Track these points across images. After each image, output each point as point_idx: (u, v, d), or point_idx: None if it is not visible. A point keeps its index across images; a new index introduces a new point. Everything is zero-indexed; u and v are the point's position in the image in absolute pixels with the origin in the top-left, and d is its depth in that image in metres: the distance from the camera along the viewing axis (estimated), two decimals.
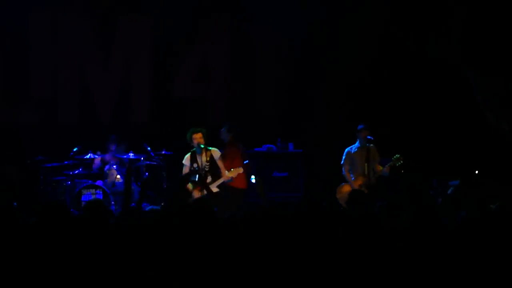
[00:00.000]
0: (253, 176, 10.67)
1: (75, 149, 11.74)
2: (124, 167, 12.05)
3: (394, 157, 11.09)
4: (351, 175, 11.17)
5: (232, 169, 10.59)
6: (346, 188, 11.09)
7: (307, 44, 13.50)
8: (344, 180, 11.25)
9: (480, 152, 12.44)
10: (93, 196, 11.67)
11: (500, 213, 6.10)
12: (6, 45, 13.11)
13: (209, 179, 10.62)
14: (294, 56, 13.62)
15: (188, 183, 10.62)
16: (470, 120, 12.79)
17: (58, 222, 5.58)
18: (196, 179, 10.54)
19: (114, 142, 12.19)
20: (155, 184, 12.14)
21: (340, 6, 13.23)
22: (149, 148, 12.01)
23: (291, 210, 6.29)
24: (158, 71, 13.63)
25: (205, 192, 10.52)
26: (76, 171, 11.85)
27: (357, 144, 11.25)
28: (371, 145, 11.07)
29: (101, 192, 11.70)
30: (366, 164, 11.01)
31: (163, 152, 12.03)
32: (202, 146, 10.54)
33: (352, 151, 11.22)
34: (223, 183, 10.62)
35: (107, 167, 12.08)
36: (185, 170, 10.67)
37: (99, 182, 11.90)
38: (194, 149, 10.65)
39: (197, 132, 10.61)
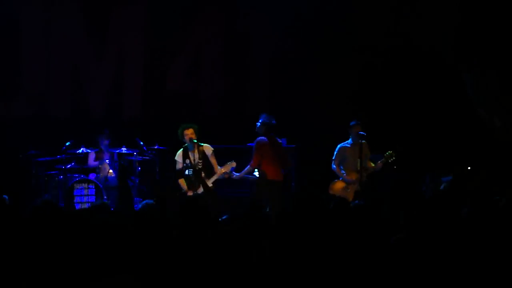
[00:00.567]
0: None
1: (67, 144, 11.71)
2: (116, 162, 12.03)
3: (387, 153, 11.10)
4: (343, 172, 11.16)
5: (226, 164, 10.57)
6: (339, 185, 11.09)
7: (301, 39, 13.48)
8: (336, 177, 11.25)
9: (472, 147, 12.46)
10: (85, 191, 11.66)
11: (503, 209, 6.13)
12: None
13: (203, 174, 10.58)
14: (287, 51, 13.59)
15: (180, 178, 10.60)
16: (463, 116, 12.81)
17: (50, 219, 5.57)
18: (191, 173, 10.50)
19: (107, 137, 12.15)
20: (148, 178, 12.14)
21: (335, 2, 13.21)
22: (141, 143, 11.99)
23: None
24: (151, 65, 13.60)
25: (200, 189, 10.48)
26: (69, 166, 11.83)
27: (349, 140, 11.25)
28: (363, 141, 11.07)
29: (93, 187, 11.69)
30: (359, 160, 11.00)
31: (155, 147, 12.01)
32: (195, 141, 10.51)
33: (345, 148, 11.22)
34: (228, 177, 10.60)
35: (99, 162, 12.07)
36: (178, 166, 10.64)
37: (91, 177, 11.89)
38: (186, 145, 10.62)
39: (188, 128, 10.56)
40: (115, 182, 11.87)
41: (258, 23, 13.62)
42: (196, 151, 10.54)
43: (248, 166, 10.64)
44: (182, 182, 10.59)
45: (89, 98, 13.47)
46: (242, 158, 11.01)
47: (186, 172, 10.52)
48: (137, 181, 12.04)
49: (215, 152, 10.69)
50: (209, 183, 10.50)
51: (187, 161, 10.56)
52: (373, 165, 11.14)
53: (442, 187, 11.58)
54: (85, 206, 11.38)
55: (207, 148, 10.65)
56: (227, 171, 10.58)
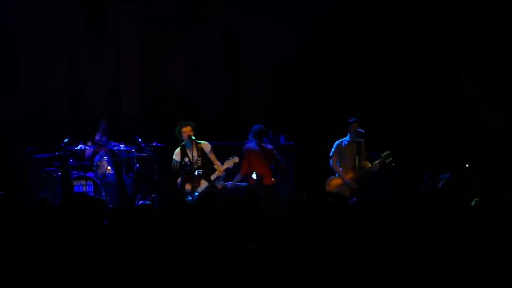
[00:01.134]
0: (254, 172, 10.66)
1: (65, 140, 11.70)
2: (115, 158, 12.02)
3: (384, 153, 11.09)
4: (340, 169, 11.15)
5: (228, 160, 10.55)
6: (336, 181, 11.10)
7: (299, 37, 13.47)
8: (333, 173, 11.25)
9: (470, 146, 12.47)
10: (83, 188, 11.65)
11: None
12: None
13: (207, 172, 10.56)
14: (285, 49, 13.59)
15: (177, 177, 10.54)
16: (461, 115, 12.82)
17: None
18: (200, 173, 10.45)
19: (105, 133, 12.11)
20: (146, 176, 12.12)
21: (333, 1, 13.23)
22: (140, 140, 11.98)
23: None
24: (149, 63, 13.59)
25: (202, 185, 10.46)
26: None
27: (347, 137, 11.24)
28: (361, 140, 11.07)
29: (91, 183, 11.67)
30: (357, 157, 11.00)
31: (154, 144, 12.01)
32: (194, 137, 10.49)
33: (343, 145, 11.21)
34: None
35: (97, 157, 12.03)
36: (175, 165, 10.59)
37: (89, 174, 11.88)
38: (184, 143, 10.58)
39: (186, 125, 10.55)
40: (113, 179, 11.84)
41: (256, 23, 13.62)
42: (194, 148, 10.53)
43: (238, 175, 10.66)
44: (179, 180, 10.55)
45: (87, 96, 13.46)
46: (241, 155, 11.01)
47: (196, 172, 10.44)
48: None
49: (215, 150, 10.68)
50: (212, 179, 10.47)
51: (186, 159, 10.54)
52: (369, 164, 11.13)
53: (440, 184, 11.60)
54: None
55: (205, 145, 10.64)
56: (230, 166, 10.56)
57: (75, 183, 11.63)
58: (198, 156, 10.50)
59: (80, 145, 11.79)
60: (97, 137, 12.00)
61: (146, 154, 12.05)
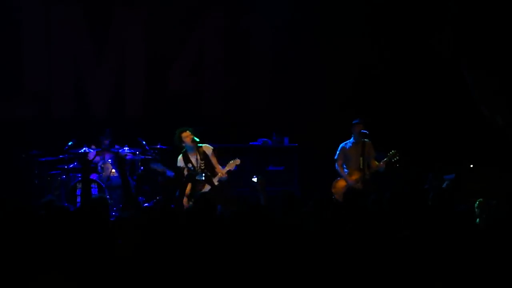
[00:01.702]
0: (255, 176, 10.61)
1: (69, 143, 11.71)
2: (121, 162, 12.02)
3: (390, 152, 11.07)
4: (345, 170, 11.14)
5: (231, 162, 10.53)
6: (342, 183, 11.07)
7: (303, 37, 13.47)
8: (339, 175, 11.23)
9: (475, 146, 12.45)
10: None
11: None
12: (0, 39, 13.06)
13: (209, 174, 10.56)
14: (289, 49, 13.58)
15: (187, 183, 10.49)
16: (465, 115, 12.80)
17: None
18: (203, 178, 10.43)
19: (107, 137, 12.12)
20: (150, 178, 12.12)
21: (336, 1, 13.23)
22: (144, 142, 11.99)
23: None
24: (152, 64, 13.60)
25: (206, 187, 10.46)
26: (71, 165, 11.82)
27: (352, 139, 11.22)
28: (367, 140, 11.05)
29: (96, 186, 11.67)
30: (361, 158, 10.98)
31: (158, 146, 12.01)
32: (197, 139, 10.45)
33: (347, 147, 11.19)
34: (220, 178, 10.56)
35: (101, 161, 12.03)
36: (182, 171, 10.53)
37: (94, 176, 11.87)
38: (185, 149, 10.54)
39: (184, 131, 10.49)
40: (117, 181, 11.85)
41: (259, 23, 13.62)
42: (196, 152, 10.49)
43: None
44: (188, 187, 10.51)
45: (91, 98, 13.47)
46: (245, 157, 11.01)
47: (198, 177, 10.42)
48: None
49: (216, 151, 10.66)
50: (215, 182, 10.47)
51: (189, 165, 10.49)
52: (376, 164, 11.09)
53: (444, 185, 11.58)
54: None
55: (207, 148, 10.60)
56: (232, 169, 10.52)
57: (79, 186, 11.63)
58: (201, 160, 10.46)
59: (84, 148, 11.80)
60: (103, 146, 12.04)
61: (150, 157, 12.05)
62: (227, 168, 10.49)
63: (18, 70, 13.28)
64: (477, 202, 8.05)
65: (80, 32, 13.36)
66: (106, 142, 12.07)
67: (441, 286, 4.92)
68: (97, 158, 12.04)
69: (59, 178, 11.90)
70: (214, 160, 10.57)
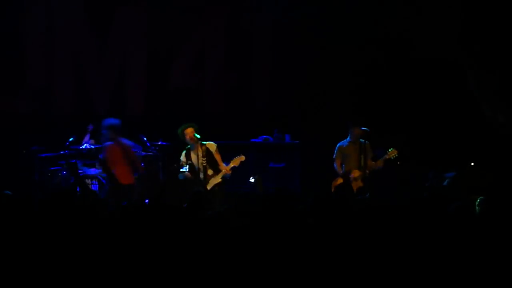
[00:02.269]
0: (252, 176, 10.60)
1: (70, 139, 11.72)
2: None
3: (389, 150, 11.06)
4: (342, 171, 11.12)
5: (235, 158, 10.52)
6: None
7: (304, 34, 13.46)
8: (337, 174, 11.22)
9: (476, 144, 12.44)
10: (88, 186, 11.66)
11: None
12: (1, 35, 13.06)
13: (210, 172, 10.55)
14: (291, 46, 13.57)
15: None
16: (466, 112, 12.79)
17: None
18: (186, 170, 10.44)
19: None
20: (151, 174, 12.15)
21: None
22: (145, 139, 11.99)
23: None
24: (154, 61, 13.60)
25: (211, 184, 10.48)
26: (72, 161, 11.81)
27: (348, 138, 11.19)
28: (366, 142, 11.03)
29: (96, 182, 11.68)
30: (362, 156, 10.96)
31: (159, 143, 12.01)
32: (198, 136, 10.46)
33: (344, 146, 11.18)
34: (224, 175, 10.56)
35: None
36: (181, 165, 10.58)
37: (94, 171, 11.88)
38: (189, 146, 10.56)
39: (187, 127, 10.49)
40: None
41: (261, 19, 13.62)
42: (199, 149, 10.49)
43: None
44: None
45: (92, 95, 13.48)
46: (247, 154, 11.00)
47: (182, 169, 10.41)
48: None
49: (220, 148, 10.66)
50: (218, 179, 10.46)
51: (189, 162, 10.52)
52: (373, 163, 11.08)
53: (445, 183, 11.57)
54: None
55: (211, 145, 10.60)
56: (236, 165, 10.51)
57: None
58: (203, 157, 10.46)
59: (85, 144, 11.81)
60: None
61: (151, 153, 12.06)
62: (231, 165, 10.48)
63: (19, 66, 13.29)
64: (478, 200, 8.06)
65: (81, 29, 13.37)
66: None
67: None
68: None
69: (59, 174, 11.91)
70: (218, 157, 10.57)
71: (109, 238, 5.22)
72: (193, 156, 10.50)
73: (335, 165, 11.14)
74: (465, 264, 4.97)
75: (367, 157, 11.06)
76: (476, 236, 5.25)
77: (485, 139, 12.44)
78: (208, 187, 10.45)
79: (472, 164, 11.91)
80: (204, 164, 10.46)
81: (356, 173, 11.03)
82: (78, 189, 11.00)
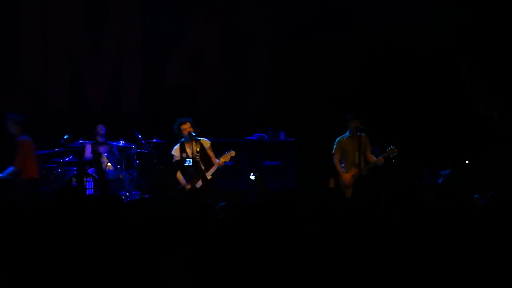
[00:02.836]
0: (252, 174, 10.59)
1: (65, 137, 11.68)
2: (114, 155, 12.00)
3: (389, 148, 11.04)
4: (342, 165, 11.13)
5: (225, 154, 10.54)
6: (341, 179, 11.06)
7: (298, 31, 13.46)
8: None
9: (471, 142, 12.47)
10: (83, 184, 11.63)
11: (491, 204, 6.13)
12: None
13: (202, 168, 10.57)
14: (285, 44, 13.56)
15: (177, 171, 10.57)
16: (461, 110, 12.82)
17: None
18: (190, 163, 10.47)
19: (101, 129, 12.10)
20: (146, 172, 12.13)
21: None
22: (140, 136, 11.98)
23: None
24: (149, 59, 13.57)
25: (199, 182, 10.47)
26: (67, 159, 11.79)
27: (347, 133, 11.20)
28: (363, 134, 11.04)
29: (91, 180, 11.66)
30: (357, 153, 10.96)
31: (154, 140, 12.00)
32: (193, 134, 10.49)
33: (344, 140, 11.18)
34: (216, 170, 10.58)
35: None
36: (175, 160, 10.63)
37: (90, 170, 11.86)
38: (183, 139, 10.58)
39: (184, 122, 10.53)
40: (113, 175, 11.84)
41: (256, 16, 13.61)
42: (193, 144, 10.52)
43: (12, 168, 10.38)
44: (179, 175, 10.57)
45: (87, 91, 13.43)
46: (242, 152, 11.01)
47: (186, 163, 10.49)
48: (135, 175, 12.03)
49: (213, 146, 10.68)
50: (208, 175, 10.49)
51: (184, 155, 10.54)
52: (374, 158, 11.07)
53: (440, 181, 11.60)
54: None
55: (205, 142, 10.64)
56: (227, 161, 10.55)
57: (74, 179, 11.61)
58: (197, 152, 10.49)
59: (80, 141, 11.77)
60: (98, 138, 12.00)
61: (146, 151, 12.05)
62: (221, 160, 10.51)
63: (14, 63, 13.23)
64: (473, 198, 8.09)
65: (76, 25, 13.31)
66: (102, 133, 12.05)
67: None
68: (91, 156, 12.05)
69: (54, 172, 11.87)
70: (211, 154, 10.61)
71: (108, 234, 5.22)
72: (187, 151, 10.53)
73: (334, 160, 11.12)
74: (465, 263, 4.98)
75: (365, 152, 11.01)
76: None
77: (480, 137, 12.47)
78: (198, 184, 10.46)
79: (467, 161, 11.94)
80: (198, 160, 10.49)
81: (351, 172, 11.03)
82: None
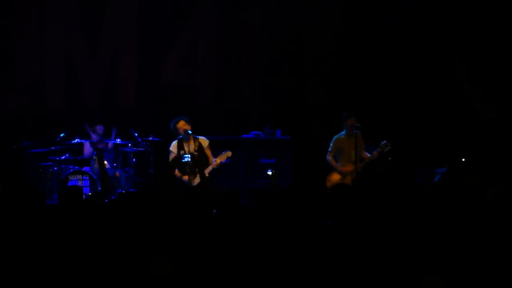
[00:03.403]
0: (269, 170, 10.65)
1: (62, 135, 11.67)
2: (110, 153, 11.99)
3: (382, 143, 11.11)
4: (338, 164, 11.15)
5: (221, 154, 10.56)
6: (336, 176, 11.09)
7: (296, 28, 13.45)
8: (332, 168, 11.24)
9: (467, 140, 12.49)
10: (79, 182, 11.62)
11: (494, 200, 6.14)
12: None
13: (200, 164, 10.57)
14: (282, 41, 13.55)
15: (175, 167, 10.57)
16: (457, 108, 12.84)
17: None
18: (189, 160, 10.47)
19: (101, 127, 12.09)
20: (143, 170, 12.13)
21: None
22: (136, 134, 11.97)
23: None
24: (145, 56, 13.55)
25: (196, 179, 10.47)
26: (63, 157, 11.78)
27: (343, 132, 11.24)
28: (358, 131, 11.07)
29: (87, 178, 11.64)
30: (353, 152, 11.00)
31: (150, 138, 11.99)
32: (190, 132, 10.50)
33: (341, 138, 11.21)
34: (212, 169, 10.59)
35: (95, 152, 12.00)
36: (172, 157, 10.64)
37: (86, 168, 11.85)
38: (182, 136, 10.61)
39: (179, 121, 10.57)
40: (110, 173, 11.83)
41: (253, 14, 13.59)
42: (192, 142, 10.54)
43: None
44: (177, 172, 10.58)
45: (83, 89, 13.41)
46: (238, 149, 11.00)
47: (184, 159, 10.49)
48: (132, 173, 12.02)
49: (211, 144, 10.69)
50: (206, 173, 10.49)
51: (182, 152, 10.57)
52: (368, 155, 11.14)
53: (436, 179, 11.61)
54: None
55: (203, 141, 10.66)
56: (223, 161, 10.58)
57: (71, 177, 11.61)
58: (195, 150, 10.51)
59: (76, 140, 11.76)
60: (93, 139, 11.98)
61: (142, 149, 12.04)
62: (218, 160, 10.52)
63: (9, 61, 13.20)
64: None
65: (72, 23, 13.27)
66: (101, 131, 12.03)
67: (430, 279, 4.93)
68: (91, 150, 12.02)
69: (50, 170, 11.86)
70: (208, 153, 10.63)
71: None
72: (185, 148, 10.55)
73: (328, 158, 11.16)
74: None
75: (360, 151, 11.07)
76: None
77: (476, 135, 12.48)
78: (196, 182, 10.47)
79: (463, 159, 11.95)
80: (196, 156, 10.50)
81: (348, 168, 11.06)
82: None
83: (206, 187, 10.28)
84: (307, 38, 13.41)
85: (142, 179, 12.17)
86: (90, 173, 11.67)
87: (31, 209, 5.73)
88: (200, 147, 10.55)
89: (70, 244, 5.02)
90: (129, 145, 11.96)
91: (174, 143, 10.65)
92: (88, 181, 11.63)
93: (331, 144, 11.21)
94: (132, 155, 12.04)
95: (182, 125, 10.52)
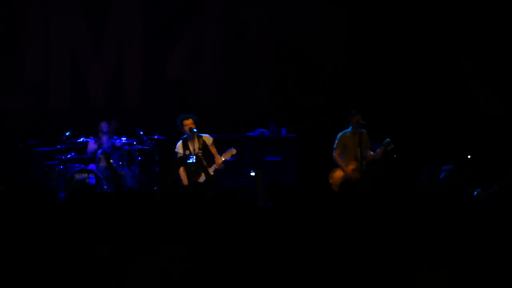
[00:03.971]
0: (252, 170, 10.62)
1: (67, 133, 11.70)
2: (116, 151, 12.02)
3: (385, 141, 11.10)
4: (343, 162, 11.16)
5: (225, 152, 10.57)
6: (339, 174, 11.09)
7: (300, 26, 13.44)
8: (336, 165, 11.24)
9: (473, 137, 12.47)
10: (85, 181, 11.64)
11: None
12: None
13: (204, 163, 10.58)
14: (287, 39, 13.54)
15: (181, 166, 10.59)
16: (463, 105, 12.81)
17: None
18: (193, 161, 10.50)
19: (109, 126, 12.12)
20: (148, 168, 12.15)
21: None
22: (141, 133, 11.98)
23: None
24: (150, 54, 13.56)
25: (202, 177, 10.49)
26: (69, 156, 11.81)
27: (349, 129, 11.25)
28: (363, 130, 11.07)
29: (93, 177, 11.67)
30: (358, 149, 11.01)
31: (155, 137, 12.01)
32: (195, 130, 10.51)
33: (346, 135, 11.22)
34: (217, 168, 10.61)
35: (99, 151, 12.04)
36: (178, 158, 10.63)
37: (91, 166, 11.88)
38: (186, 136, 10.60)
39: (187, 118, 10.56)
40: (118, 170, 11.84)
41: (257, 11, 13.59)
42: (196, 141, 10.55)
43: None
44: (182, 171, 10.59)
45: (88, 88, 13.44)
46: (243, 148, 11.01)
47: (189, 160, 10.50)
48: (137, 171, 12.04)
49: (215, 142, 10.70)
50: (211, 172, 10.51)
51: (187, 152, 10.57)
52: (371, 153, 11.14)
53: (442, 175, 11.60)
54: None
55: (207, 138, 10.66)
56: (228, 159, 10.58)
57: (77, 176, 11.64)
58: (199, 149, 10.52)
59: (82, 138, 11.79)
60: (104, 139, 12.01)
61: (147, 147, 12.05)
62: (222, 158, 10.54)
63: (15, 60, 13.24)
64: (475, 193, 8.09)
65: (77, 22, 13.30)
66: (105, 130, 12.06)
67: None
68: (95, 148, 12.05)
69: (56, 168, 11.89)
70: (213, 151, 10.64)
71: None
72: (190, 147, 10.56)
73: (334, 154, 11.17)
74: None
75: (365, 148, 11.08)
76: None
77: (481, 132, 12.46)
78: (201, 179, 10.48)
79: (469, 156, 11.93)
80: (200, 156, 10.51)
81: (351, 166, 11.07)
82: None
83: (211, 185, 10.29)
84: (312, 37, 13.39)
85: (148, 177, 12.19)
86: (96, 171, 11.69)
87: (42, 208, 5.73)
88: (204, 145, 10.56)
89: (83, 242, 5.03)
90: (134, 143, 11.98)
91: (179, 143, 10.64)
92: (94, 180, 11.65)
93: (336, 141, 11.21)
94: (137, 153, 12.05)
95: (189, 123, 10.52)
